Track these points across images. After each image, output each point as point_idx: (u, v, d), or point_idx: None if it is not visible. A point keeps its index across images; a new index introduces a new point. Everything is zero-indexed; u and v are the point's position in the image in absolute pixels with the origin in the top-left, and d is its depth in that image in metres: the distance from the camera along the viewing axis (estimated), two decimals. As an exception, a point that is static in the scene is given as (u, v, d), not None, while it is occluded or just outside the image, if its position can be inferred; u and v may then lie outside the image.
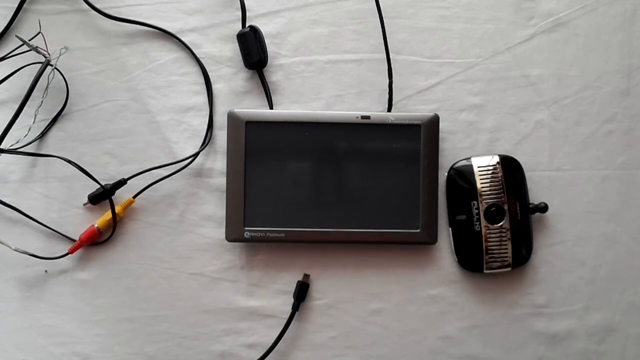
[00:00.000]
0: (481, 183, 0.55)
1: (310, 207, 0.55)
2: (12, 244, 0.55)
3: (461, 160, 0.56)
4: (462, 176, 0.56)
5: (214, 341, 0.56)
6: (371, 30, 0.57)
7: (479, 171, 0.55)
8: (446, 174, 0.56)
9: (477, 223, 0.55)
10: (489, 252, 0.55)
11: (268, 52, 0.57)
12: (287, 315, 0.56)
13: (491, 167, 0.55)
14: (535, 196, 0.57)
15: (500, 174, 0.55)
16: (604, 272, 0.57)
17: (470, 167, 0.56)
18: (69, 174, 0.56)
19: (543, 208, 0.56)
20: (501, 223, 0.55)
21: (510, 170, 0.56)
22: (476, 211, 0.55)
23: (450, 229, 0.56)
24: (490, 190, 0.55)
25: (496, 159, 0.56)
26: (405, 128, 0.55)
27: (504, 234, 0.55)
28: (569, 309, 0.57)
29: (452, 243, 0.56)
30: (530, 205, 0.56)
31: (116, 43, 0.58)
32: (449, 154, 0.57)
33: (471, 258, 0.56)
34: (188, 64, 0.58)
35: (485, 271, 0.55)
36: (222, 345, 0.56)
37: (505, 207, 0.55)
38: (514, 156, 0.56)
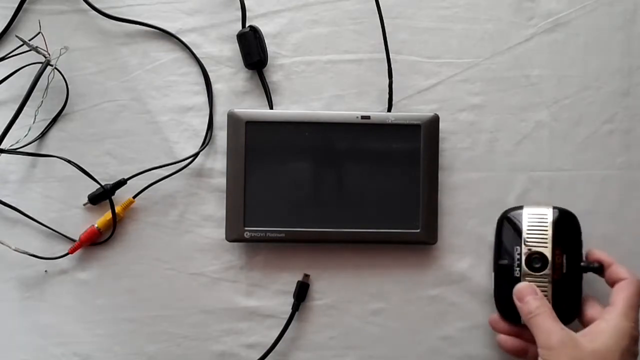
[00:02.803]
0: (527, 228, 0.53)
1: (310, 207, 0.55)
2: (12, 244, 0.55)
3: (515, 209, 0.55)
4: (511, 222, 0.54)
5: (214, 341, 0.56)
6: (371, 30, 0.57)
7: (529, 217, 0.54)
8: (498, 218, 0.55)
9: (518, 269, 0.53)
10: None
11: (268, 52, 0.57)
12: (287, 315, 0.56)
13: (541, 215, 0.53)
14: (535, 196, 0.57)
15: (549, 222, 0.53)
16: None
17: (520, 214, 0.54)
18: (69, 174, 0.56)
19: (597, 268, 0.52)
20: (543, 272, 0.52)
21: (562, 222, 0.53)
22: (518, 256, 0.53)
23: (493, 273, 0.55)
24: (534, 236, 0.53)
25: (550, 211, 0.54)
26: (405, 128, 0.55)
27: (544, 284, 0.52)
28: (569, 309, 0.57)
29: (493, 287, 0.55)
30: (583, 264, 0.53)
31: (116, 43, 0.58)
32: (449, 154, 0.57)
33: (508, 306, 0.53)
34: (188, 64, 0.58)
35: (522, 321, 0.51)
36: (222, 345, 0.56)
37: (549, 256, 0.52)
38: (567, 209, 0.54)
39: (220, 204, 0.56)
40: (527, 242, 0.53)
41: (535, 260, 0.52)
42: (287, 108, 0.57)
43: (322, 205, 0.55)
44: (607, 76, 0.58)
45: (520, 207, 0.54)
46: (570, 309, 0.52)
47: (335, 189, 0.55)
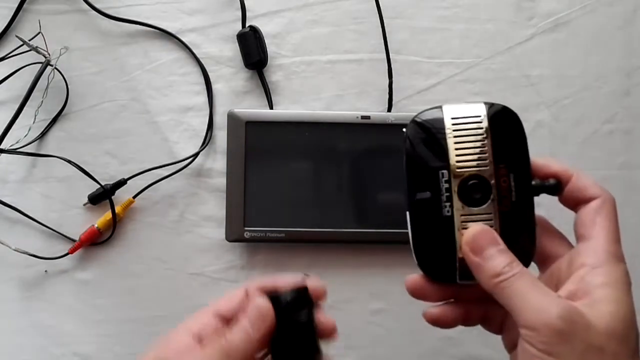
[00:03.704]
0: (456, 142, 0.36)
1: (310, 207, 0.55)
2: (13, 244, 0.55)
3: (428, 110, 0.37)
4: (427, 133, 0.37)
5: (214, 341, 0.56)
6: (371, 31, 0.57)
7: (454, 125, 0.36)
8: (404, 130, 0.38)
9: (447, 204, 0.36)
10: None
11: (268, 52, 0.57)
12: (287, 315, 0.56)
13: (473, 121, 0.36)
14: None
15: (486, 131, 0.36)
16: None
17: (440, 121, 0.36)
18: (69, 174, 0.55)
19: (553, 187, 0.36)
20: (485, 205, 0.35)
21: (502, 127, 0.36)
22: (446, 185, 0.36)
23: (407, 213, 0.38)
24: (468, 153, 0.36)
25: (481, 108, 0.36)
26: (405, 128, 0.55)
27: (488, 221, 0.35)
28: (569, 309, 0.57)
29: (410, 235, 0.38)
30: (534, 183, 0.36)
31: (116, 43, 0.58)
32: (449, 154, 0.57)
33: (436, 260, 0.37)
34: (188, 64, 0.58)
35: (458, 281, 0.36)
36: (222, 345, 0.56)
37: (492, 180, 0.35)
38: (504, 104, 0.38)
39: (220, 204, 0.56)
40: (458, 161, 0.35)
41: (473, 187, 0.35)
42: (287, 108, 0.57)
43: (322, 205, 0.55)
44: (607, 76, 0.58)
45: (439, 107, 0.37)
46: (524, 252, 0.35)
47: (335, 189, 0.55)
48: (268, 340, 0.35)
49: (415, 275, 0.38)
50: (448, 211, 0.36)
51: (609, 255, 0.33)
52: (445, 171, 0.36)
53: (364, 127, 0.55)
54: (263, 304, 0.35)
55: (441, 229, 0.36)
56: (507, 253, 0.33)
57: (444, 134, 0.36)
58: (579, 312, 0.30)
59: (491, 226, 0.35)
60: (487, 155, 0.35)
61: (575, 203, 0.35)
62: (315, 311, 0.37)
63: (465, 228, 0.35)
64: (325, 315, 0.38)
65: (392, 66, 0.56)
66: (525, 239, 0.36)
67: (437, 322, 0.37)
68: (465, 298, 0.37)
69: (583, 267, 0.33)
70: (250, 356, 0.34)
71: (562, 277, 0.34)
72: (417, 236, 0.37)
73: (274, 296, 0.36)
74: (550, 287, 0.32)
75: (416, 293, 0.38)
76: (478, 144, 0.36)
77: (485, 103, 0.36)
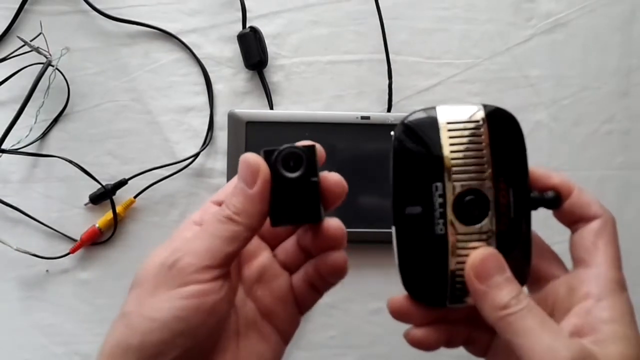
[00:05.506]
0: (452, 152, 0.32)
1: (310, 207, 0.55)
2: (14, 244, 0.55)
3: (419, 111, 0.33)
4: (419, 138, 0.32)
5: (215, 340, 0.56)
6: (371, 31, 0.58)
7: (449, 130, 0.32)
8: (392, 133, 0.33)
9: (441, 221, 0.32)
10: (458, 273, 0.32)
11: (268, 52, 0.57)
12: (287, 315, 0.56)
13: (470, 126, 0.32)
14: (535, 196, 0.57)
15: (484, 138, 0.32)
16: (603, 272, 0.57)
17: (434, 123, 0.32)
18: (70, 174, 0.56)
19: (552, 200, 0.33)
20: (482, 223, 0.32)
21: (502, 134, 0.32)
22: (440, 200, 0.32)
23: (393, 228, 0.33)
24: (466, 164, 0.32)
25: (479, 112, 0.32)
26: (405, 128, 0.55)
27: (484, 241, 0.32)
28: (568, 308, 0.57)
29: (396, 253, 0.34)
30: (533, 195, 0.33)
31: (117, 44, 0.58)
32: (449, 154, 0.57)
33: (425, 282, 0.33)
34: (189, 65, 0.58)
35: (449, 304, 0.33)
36: (223, 345, 0.56)
37: (491, 194, 0.32)
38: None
39: (220, 204, 0.56)
40: (454, 172, 0.32)
41: (470, 203, 0.32)
42: (287, 108, 0.58)
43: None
44: (606, 77, 0.58)
45: (432, 109, 0.33)
46: (519, 272, 0.32)
47: (335, 189, 0.55)
48: (268, 201, 0.31)
49: (399, 297, 0.34)
50: (441, 229, 0.32)
51: (613, 285, 0.31)
52: (439, 184, 0.32)
53: (364, 128, 0.55)
54: (249, 154, 0.30)
55: (432, 249, 0.32)
56: (514, 283, 0.30)
57: (439, 140, 0.32)
58: (591, 354, 0.28)
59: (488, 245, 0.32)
60: (486, 167, 0.32)
61: (573, 220, 0.33)
62: (316, 168, 0.31)
63: (460, 248, 0.32)
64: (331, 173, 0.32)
65: (391, 67, 0.56)
66: (521, 259, 0.33)
67: (420, 344, 0.34)
68: (451, 319, 0.34)
69: (587, 298, 0.31)
70: (257, 219, 0.30)
71: (560, 304, 0.32)
72: (404, 255, 0.33)
73: (268, 150, 0.31)
74: (544, 311, 0.30)
75: (400, 316, 0.34)
76: (477, 153, 0.32)
77: (483, 105, 0.33)
